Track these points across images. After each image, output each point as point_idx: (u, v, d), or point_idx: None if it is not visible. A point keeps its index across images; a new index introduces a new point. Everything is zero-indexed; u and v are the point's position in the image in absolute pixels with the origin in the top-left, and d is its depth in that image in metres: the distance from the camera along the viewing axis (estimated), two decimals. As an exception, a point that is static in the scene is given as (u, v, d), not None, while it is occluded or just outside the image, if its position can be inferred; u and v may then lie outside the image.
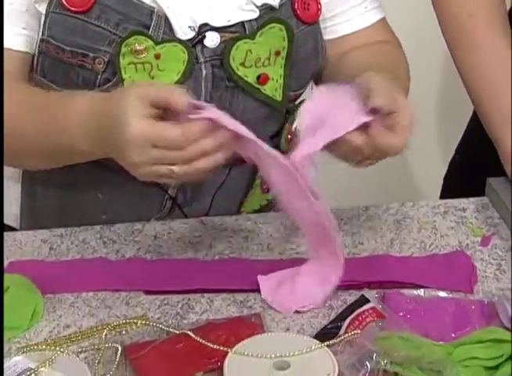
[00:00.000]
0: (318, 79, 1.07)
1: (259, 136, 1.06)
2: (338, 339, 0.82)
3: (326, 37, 1.05)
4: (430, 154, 1.65)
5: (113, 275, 0.95)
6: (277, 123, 1.06)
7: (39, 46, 0.98)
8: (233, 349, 0.80)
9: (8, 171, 1.09)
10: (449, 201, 1.08)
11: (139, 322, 0.88)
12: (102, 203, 1.06)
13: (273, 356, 0.79)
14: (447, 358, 0.80)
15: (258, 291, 0.93)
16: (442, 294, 0.91)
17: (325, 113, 0.87)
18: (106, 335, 0.85)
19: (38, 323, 0.88)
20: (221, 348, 0.81)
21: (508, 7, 1.15)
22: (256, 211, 1.10)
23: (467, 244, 1.00)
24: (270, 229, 1.03)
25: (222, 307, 0.91)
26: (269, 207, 1.12)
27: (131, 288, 0.93)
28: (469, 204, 1.07)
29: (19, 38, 0.97)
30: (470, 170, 1.22)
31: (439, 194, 1.29)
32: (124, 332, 0.87)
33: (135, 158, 0.82)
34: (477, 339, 0.82)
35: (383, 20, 1.08)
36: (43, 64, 0.99)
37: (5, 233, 1.02)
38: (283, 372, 0.78)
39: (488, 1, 1.07)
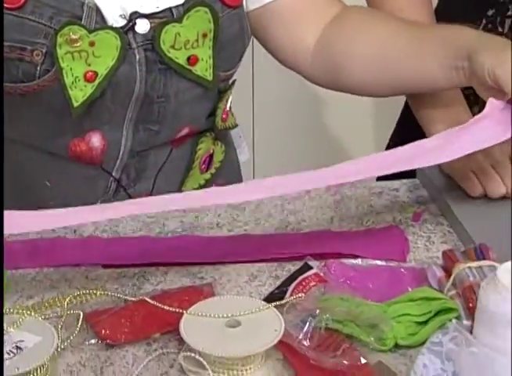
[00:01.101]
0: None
1: (195, 116, 1.13)
2: (284, 301, 0.90)
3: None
4: (367, 142, 1.75)
5: (72, 251, 1.01)
6: (211, 102, 1.14)
7: None
8: (188, 311, 0.87)
9: None
10: (384, 183, 1.17)
11: (98, 292, 0.94)
12: (51, 190, 1.12)
13: (225, 315, 0.86)
14: (382, 315, 0.88)
15: (210, 263, 1.00)
16: (378, 262, 1.00)
17: None
18: (67, 304, 0.91)
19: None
20: (177, 311, 0.88)
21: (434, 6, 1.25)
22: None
23: (400, 220, 1.08)
24: (218, 209, 1.10)
25: (176, 278, 0.98)
26: (207, 186, 1.18)
27: (89, 263, 1.00)
28: (401, 185, 1.16)
29: None
30: None
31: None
32: (84, 302, 0.93)
33: None
34: (409, 298, 0.90)
35: None
36: None
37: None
38: (235, 329, 0.85)
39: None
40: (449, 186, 1.11)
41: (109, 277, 0.98)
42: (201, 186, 1.18)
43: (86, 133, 1.08)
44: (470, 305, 0.88)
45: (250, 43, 1.14)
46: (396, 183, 1.16)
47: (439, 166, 1.13)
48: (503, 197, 1.07)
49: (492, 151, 1.07)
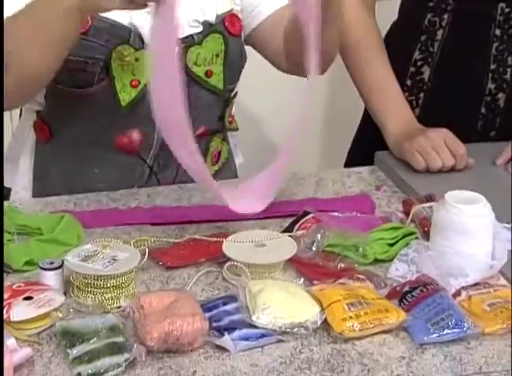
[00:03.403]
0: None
1: (210, 117, 1.48)
2: (293, 233, 1.25)
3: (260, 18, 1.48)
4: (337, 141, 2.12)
5: (126, 215, 1.34)
6: (221, 108, 1.50)
7: None
8: (227, 239, 1.21)
9: (25, 149, 1.46)
10: (351, 169, 1.54)
11: (153, 239, 1.26)
12: (99, 175, 1.45)
13: (254, 240, 1.20)
14: (364, 239, 1.23)
15: (230, 220, 1.33)
16: (354, 213, 1.35)
17: None
18: (133, 243, 1.23)
19: (82, 242, 1.26)
20: (218, 240, 1.21)
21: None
22: None
23: (366, 192, 1.45)
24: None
25: (206, 230, 1.31)
26: (217, 175, 1.52)
27: (140, 222, 1.32)
28: (363, 170, 1.53)
29: None
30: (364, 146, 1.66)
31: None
32: (142, 245, 1.25)
33: None
34: (382, 229, 1.26)
35: None
36: None
37: (40, 199, 1.40)
38: (262, 248, 1.19)
39: (368, 30, 1.56)
40: (400, 165, 1.49)
41: (157, 230, 1.31)
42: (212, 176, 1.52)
43: (128, 129, 1.42)
44: (426, 229, 1.24)
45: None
46: (359, 169, 1.53)
47: (391, 152, 1.51)
48: (439, 170, 1.45)
49: (431, 135, 1.45)
